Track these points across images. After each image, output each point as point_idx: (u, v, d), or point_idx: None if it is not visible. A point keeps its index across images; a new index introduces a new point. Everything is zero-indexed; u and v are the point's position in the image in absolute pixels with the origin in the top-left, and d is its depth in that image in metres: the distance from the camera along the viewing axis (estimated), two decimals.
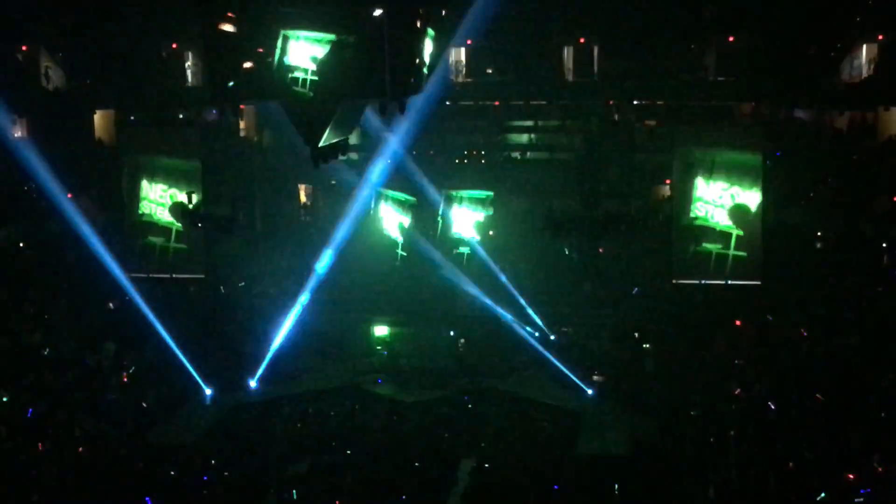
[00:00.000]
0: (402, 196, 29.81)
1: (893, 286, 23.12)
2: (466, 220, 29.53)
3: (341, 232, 30.95)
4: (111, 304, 29.27)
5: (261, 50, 14.64)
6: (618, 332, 28.34)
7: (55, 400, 23.26)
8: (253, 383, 27.42)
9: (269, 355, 28.70)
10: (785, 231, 28.61)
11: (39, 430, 21.57)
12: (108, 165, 31.74)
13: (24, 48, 33.56)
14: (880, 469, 15.39)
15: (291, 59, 14.82)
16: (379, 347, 28.83)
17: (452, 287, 28.84)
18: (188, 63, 34.82)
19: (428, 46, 15.44)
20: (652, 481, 20.15)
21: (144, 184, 29.99)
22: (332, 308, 30.13)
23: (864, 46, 29.89)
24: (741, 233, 27.16)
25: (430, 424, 25.10)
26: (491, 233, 29.65)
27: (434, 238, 29.31)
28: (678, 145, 27.96)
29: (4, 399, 22.28)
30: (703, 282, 27.37)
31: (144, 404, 24.99)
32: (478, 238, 29.39)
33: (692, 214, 27.51)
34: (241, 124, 34.99)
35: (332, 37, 14.55)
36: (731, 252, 27.03)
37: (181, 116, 35.77)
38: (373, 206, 30.39)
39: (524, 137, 34.84)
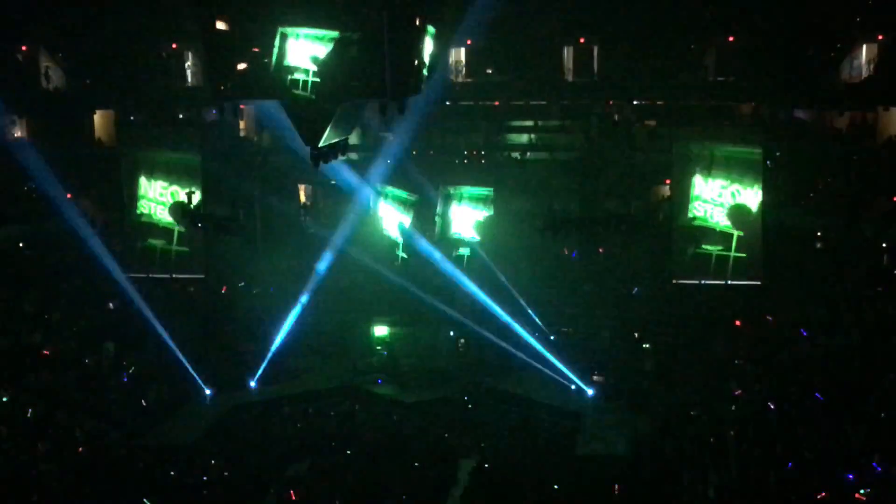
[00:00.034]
0: (402, 193, 29.58)
1: (893, 286, 23.11)
2: (466, 219, 29.32)
3: (341, 232, 30.98)
4: (111, 304, 29.28)
5: (256, 49, 14.58)
6: (618, 332, 28.33)
7: (55, 400, 23.26)
8: (253, 383, 27.43)
9: (269, 355, 28.73)
10: (785, 231, 28.60)
11: (39, 430, 21.57)
12: (108, 165, 31.71)
13: (24, 48, 33.58)
14: (880, 469, 15.39)
15: (291, 59, 14.77)
16: (379, 347, 28.81)
17: (453, 287, 28.78)
18: (188, 63, 34.87)
19: (428, 45, 15.41)
20: (652, 481, 20.14)
21: (143, 181, 29.61)
22: (332, 308, 30.14)
23: (864, 46, 29.91)
24: (742, 233, 27.08)
25: (430, 424, 25.11)
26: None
27: (433, 239, 29.16)
28: (676, 143, 27.85)
29: (4, 399, 22.29)
30: (703, 282, 27.33)
31: (144, 404, 24.98)
32: (478, 238, 29.23)
33: (690, 214, 27.40)
34: (241, 124, 35.02)
35: (335, 34, 14.51)
36: (732, 254, 26.94)
37: (181, 116, 35.84)
38: (372, 203, 30.18)
39: (524, 137, 34.84)
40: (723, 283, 27.10)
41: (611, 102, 33.11)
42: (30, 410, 22.09)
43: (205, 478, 21.25)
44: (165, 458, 22.09)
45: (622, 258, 30.93)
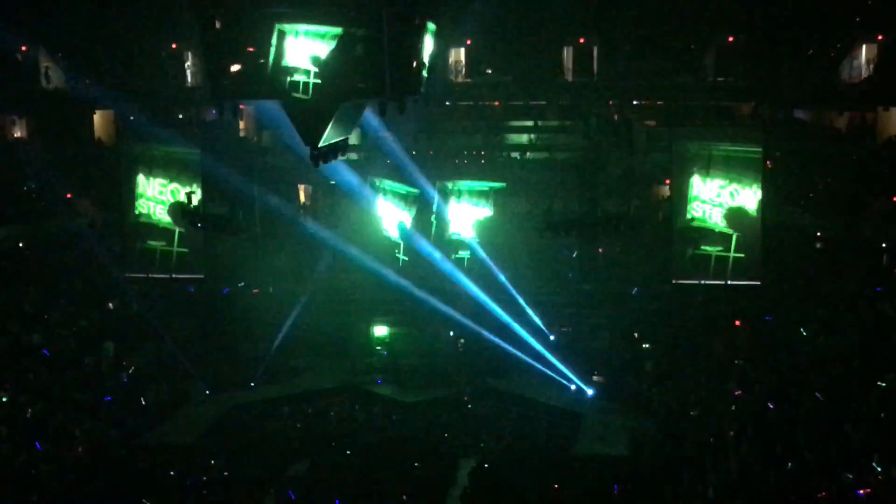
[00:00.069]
0: (402, 188, 29.32)
1: (893, 286, 23.09)
2: (465, 218, 29.07)
3: (341, 232, 30.95)
4: (111, 304, 29.26)
5: (251, 49, 14.50)
6: (618, 332, 28.32)
7: (55, 400, 23.25)
8: (253, 383, 27.41)
9: (268, 355, 28.72)
10: (784, 231, 28.58)
11: (39, 430, 21.56)
12: (108, 165, 31.70)
13: (24, 48, 33.56)
14: (880, 469, 15.38)
15: (290, 58, 14.66)
16: (379, 347, 28.80)
17: (453, 287, 28.75)
18: (188, 63, 34.88)
19: (428, 44, 15.36)
20: (652, 481, 20.14)
21: (141, 179, 29.27)
22: (332, 308, 30.12)
23: (864, 46, 29.90)
24: (740, 234, 27.02)
25: (429, 424, 25.10)
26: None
27: (430, 239, 29.04)
28: (675, 142, 27.84)
29: (4, 399, 22.27)
30: (702, 282, 27.30)
31: (144, 404, 24.97)
32: (477, 239, 29.09)
33: (689, 215, 27.33)
34: (241, 124, 35.00)
35: (337, 31, 14.41)
36: (732, 254, 26.90)
37: (181, 116, 35.84)
38: (371, 197, 29.94)
39: (524, 137, 34.83)
40: (722, 283, 27.05)
41: (611, 102, 33.09)
42: (29, 410, 22.05)
43: (205, 478, 21.24)
44: (165, 458, 22.08)
45: (622, 258, 30.91)
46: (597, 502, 20.07)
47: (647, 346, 27.38)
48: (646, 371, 26.44)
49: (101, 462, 21.39)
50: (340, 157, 17.05)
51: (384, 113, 15.01)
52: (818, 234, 28.79)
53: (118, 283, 29.73)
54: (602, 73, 32.78)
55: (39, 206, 32.45)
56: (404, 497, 20.40)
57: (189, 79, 35.03)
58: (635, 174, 32.01)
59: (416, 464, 22.21)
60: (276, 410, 25.97)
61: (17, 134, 35.00)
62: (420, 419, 25.43)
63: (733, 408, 21.60)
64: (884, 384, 18.09)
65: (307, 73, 14.54)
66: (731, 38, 31.43)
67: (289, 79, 14.53)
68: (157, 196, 29.31)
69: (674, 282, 28.00)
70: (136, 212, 29.42)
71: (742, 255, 26.80)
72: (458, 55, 33.78)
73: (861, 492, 15.12)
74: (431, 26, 15.31)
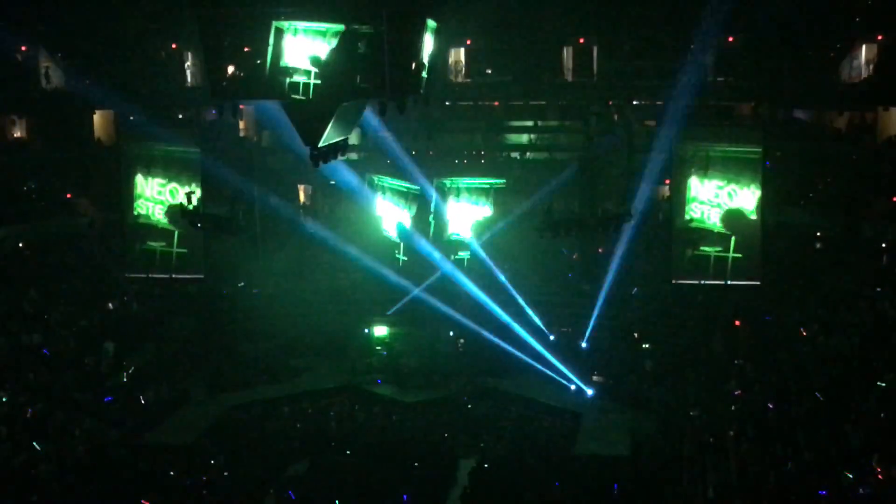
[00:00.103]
0: (401, 185, 29.18)
1: (893, 286, 23.10)
2: (464, 217, 28.96)
3: (341, 232, 30.95)
4: (111, 305, 29.27)
5: (247, 49, 14.45)
6: (618, 332, 28.32)
7: (55, 400, 23.25)
8: (254, 383, 27.40)
9: (269, 355, 28.70)
10: (784, 231, 28.58)
11: (39, 430, 21.55)
12: (108, 165, 31.70)
13: (23, 48, 33.57)
14: (880, 469, 15.39)
15: (288, 58, 14.62)
16: (379, 347, 28.79)
17: (453, 287, 28.75)
18: (188, 63, 34.90)
19: (428, 43, 15.32)
20: (652, 481, 20.15)
21: (139, 180, 29.30)
22: (332, 308, 30.11)
23: (864, 46, 29.90)
24: (739, 236, 27.00)
25: (429, 424, 25.10)
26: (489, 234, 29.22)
27: (429, 239, 28.97)
28: (674, 142, 27.85)
29: (4, 399, 22.26)
30: (702, 282, 27.31)
31: (144, 404, 24.98)
32: (476, 241, 28.98)
33: (688, 216, 27.37)
34: (241, 124, 35.03)
35: (339, 28, 14.34)
36: (731, 254, 26.91)
37: (181, 116, 35.85)
38: (370, 195, 29.84)
39: (524, 137, 34.83)
40: (722, 283, 27.07)
41: (611, 102, 33.10)
42: (29, 410, 22.05)
43: (204, 478, 21.24)
44: (165, 458, 22.08)
45: (622, 258, 30.87)
46: (597, 502, 20.07)
47: (647, 346, 27.38)
48: (646, 371, 26.45)
49: (101, 462, 21.36)
50: (340, 157, 17.04)
51: (384, 113, 15.01)
52: (818, 234, 28.79)
53: (118, 283, 29.74)
54: (602, 73, 32.78)
55: (39, 206, 32.47)
56: (404, 497, 20.38)
57: (189, 79, 35.06)
58: (635, 174, 31.99)
59: (416, 464, 22.20)
60: (276, 410, 25.96)
61: (17, 134, 35.00)
62: (420, 419, 25.43)
63: (733, 408, 21.61)
64: (884, 384, 18.11)
65: (307, 73, 14.49)
66: (731, 39, 31.42)
67: (288, 80, 14.49)
68: (155, 196, 29.32)
69: (674, 282, 28.03)
70: (135, 213, 29.43)
71: (740, 256, 26.82)
72: (458, 55, 33.80)
73: (861, 492, 15.14)
74: (432, 24, 15.27)
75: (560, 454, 22.91)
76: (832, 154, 30.13)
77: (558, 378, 26.58)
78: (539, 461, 22.33)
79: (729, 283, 26.95)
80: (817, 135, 31.83)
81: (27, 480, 19.59)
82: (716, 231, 27.09)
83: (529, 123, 34.71)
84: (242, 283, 31.36)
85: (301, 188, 35.56)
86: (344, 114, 15.42)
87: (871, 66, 29.58)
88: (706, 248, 27.11)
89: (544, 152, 33.96)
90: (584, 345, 27.75)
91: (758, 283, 27.02)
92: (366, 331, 29.13)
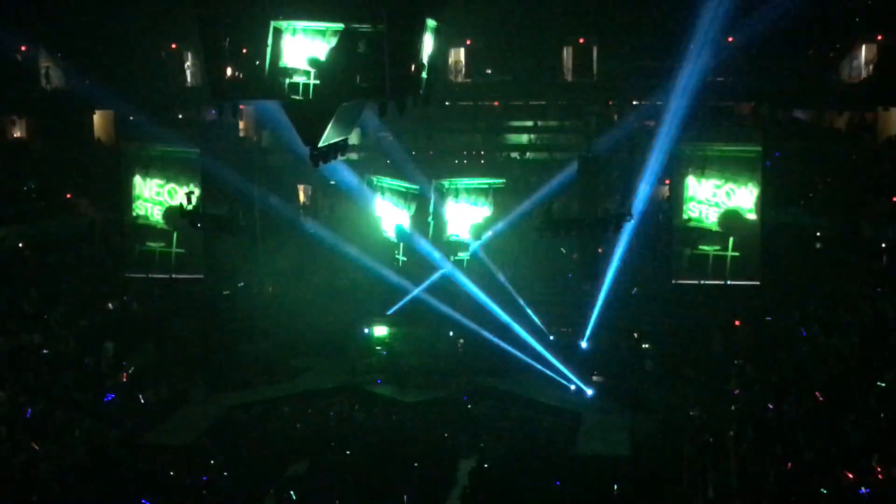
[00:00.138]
0: (401, 185, 29.09)
1: (893, 286, 23.11)
2: (464, 218, 28.89)
3: (341, 232, 30.93)
4: (111, 305, 29.26)
5: (245, 50, 14.43)
6: (618, 332, 28.30)
7: (55, 400, 23.25)
8: (254, 383, 27.39)
9: (269, 355, 28.69)
10: (784, 231, 28.57)
11: (39, 430, 21.56)
12: (108, 165, 31.70)
13: (24, 48, 33.58)
14: (880, 469, 15.39)
15: (287, 58, 14.59)
16: (379, 347, 28.80)
17: (452, 287, 28.71)
18: (188, 63, 34.90)
19: (428, 42, 15.30)
20: (652, 481, 20.15)
21: (138, 180, 29.25)
22: (332, 308, 30.11)
23: (864, 46, 29.92)
24: (736, 236, 26.99)
25: (429, 424, 25.10)
26: (489, 232, 29.13)
27: (428, 240, 28.90)
28: (674, 143, 27.85)
29: (4, 399, 22.25)
30: (702, 282, 27.31)
31: (144, 404, 24.97)
32: (476, 240, 28.91)
33: (685, 216, 27.38)
34: (241, 124, 35.01)
35: (338, 27, 14.33)
36: (730, 254, 26.92)
37: (181, 116, 35.84)
38: (370, 196, 29.80)
39: (524, 137, 34.82)
40: (721, 283, 27.08)
41: (611, 102, 33.10)
42: (29, 410, 22.05)
43: (204, 478, 21.24)
44: (165, 458, 22.08)
45: (621, 258, 30.86)
46: (597, 502, 20.07)
47: (647, 346, 27.38)
48: (646, 371, 26.45)
49: (101, 462, 21.37)
50: (340, 157, 17.02)
51: (384, 113, 14.98)
52: (818, 234, 28.79)
53: (118, 283, 29.74)
54: (602, 73, 32.77)
55: (39, 206, 32.45)
56: (404, 497, 20.39)
57: (189, 79, 35.05)
58: (635, 174, 31.96)
59: (416, 464, 22.20)
60: (276, 410, 25.96)
61: (17, 134, 35.01)
62: (420, 419, 25.42)
63: (733, 408, 21.61)
64: (884, 384, 18.11)
65: (307, 73, 14.48)
66: (730, 39, 31.39)
67: (288, 80, 14.48)
68: (153, 197, 29.30)
69: (674, 282, 28.03)
70: (134, 213, 29.41)
71: (739, 255, 26.83)
72: (458, 55, 33.79)
73: (861, 492, 15.14)
74: (432, 24, 15.24)
75: (560, 454, 22.91)
76: (832, 154, 30.13)
77: (558, 378, 26.57)
78: (539, 461, 22.33)
79: (729, 282, 26.96)
80: (817, 134, 31.85)
81: (27, 480, 19.59)
82: (714, 230, 27.12)
83: (529, 123, 34.70)
84: (242, 283, 31.36)
85: (301, 188, 35.53)
86: (344, 114, 15.40)
87: (871, 66, 29.61)
88: (704, 248, 27.14)
89: (544, 152, 33.92)
90: (584, 345, 27.74)
91: (757, 282, 27.04)
92: (366, 331, 29.21)
